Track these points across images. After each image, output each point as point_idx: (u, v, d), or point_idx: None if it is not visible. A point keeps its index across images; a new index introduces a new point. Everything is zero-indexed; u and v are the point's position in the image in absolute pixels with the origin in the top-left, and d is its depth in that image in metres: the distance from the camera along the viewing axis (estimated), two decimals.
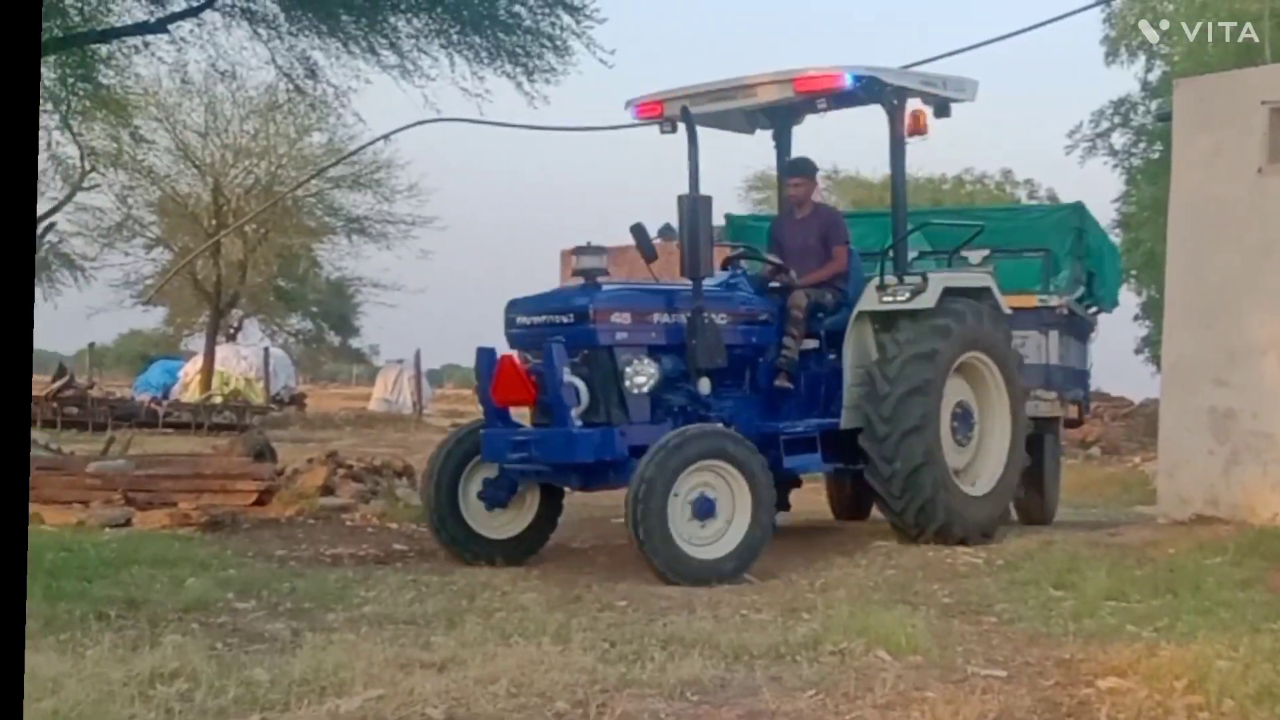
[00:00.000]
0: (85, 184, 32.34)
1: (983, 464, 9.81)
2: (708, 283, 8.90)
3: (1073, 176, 74.01)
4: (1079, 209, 12.11)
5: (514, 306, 8.87)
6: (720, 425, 8.60)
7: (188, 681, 5.05)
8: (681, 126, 8.98)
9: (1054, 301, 11.39)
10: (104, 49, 16.03)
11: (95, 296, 53.40)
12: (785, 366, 9.35)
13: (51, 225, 32.92)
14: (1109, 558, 8.54)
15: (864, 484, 11.70)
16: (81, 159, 27.47)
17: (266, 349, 40.22)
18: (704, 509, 8.06)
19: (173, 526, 10.65)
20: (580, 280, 8.74)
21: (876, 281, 9.49)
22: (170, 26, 14.84)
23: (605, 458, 8.40)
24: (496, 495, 8.88)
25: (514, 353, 8.93)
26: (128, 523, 10.81)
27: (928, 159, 42.61)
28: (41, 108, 18.14)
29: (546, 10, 14.06)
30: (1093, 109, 36.18)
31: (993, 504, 9.73)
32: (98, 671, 5.09)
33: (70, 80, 15.34)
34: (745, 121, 10.41)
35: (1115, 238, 25.13)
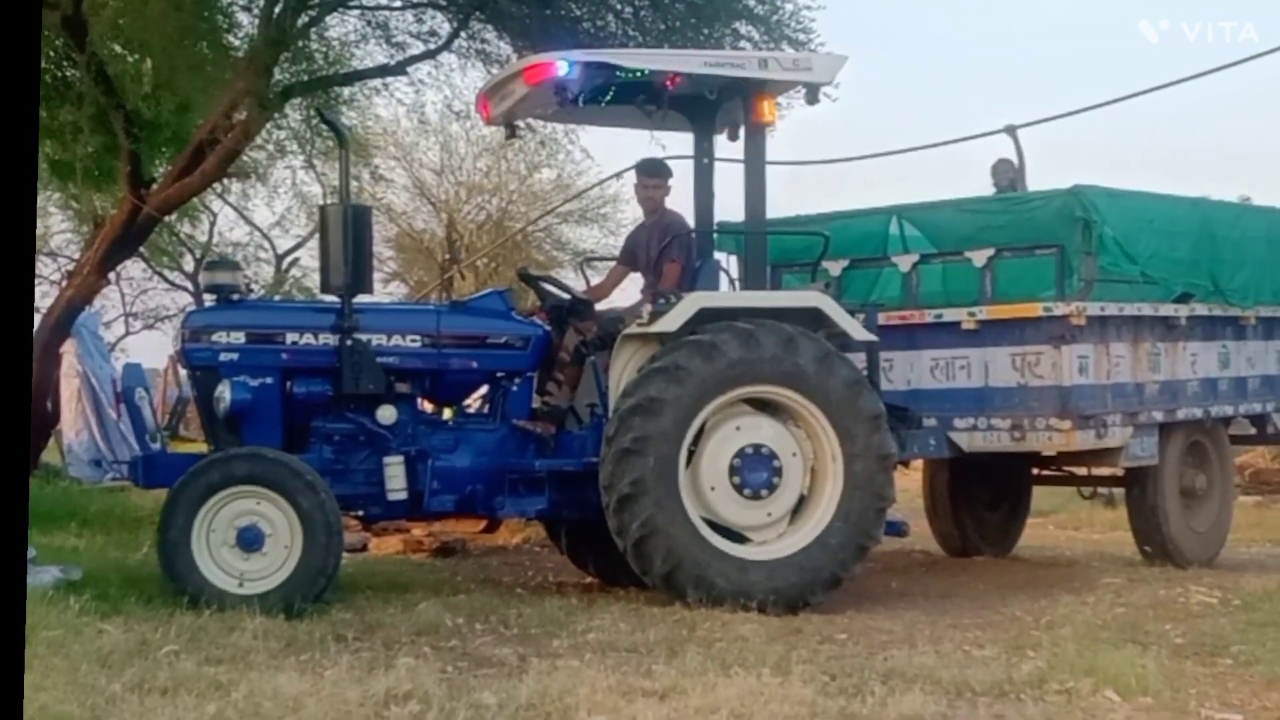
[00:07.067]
0: None
1: (802, 520, 8.24)
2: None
3: None
4: (1077, 195, 9.67)
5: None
6: (261, 450, 7.80)
7: (420, 704, 5.23)
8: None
9: (1062, 309, 9.38)
10: (346, 91, 16.75)
11: None
12: (545, 413, 8.57)
13: (295, 261, 34.25)
14: None
15: (962, 517, 11.25)
16: (324, 197, 28.65)
17: None
18: (250, 539, 7.50)
19: (406, 552, 11.09)
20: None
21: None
22: (409, 69, 15.41)
23: (159, 484, 8.02)
24: None
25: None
26: (364, 547, 11.27)
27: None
28: (287, 148, 19.07)
29: (770, 46, 14.09)
30: None
31: (798, 568, 8.05)
32: (336, 692, 5.31)
33: (314, 122, 15.98)
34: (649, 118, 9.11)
35: None
